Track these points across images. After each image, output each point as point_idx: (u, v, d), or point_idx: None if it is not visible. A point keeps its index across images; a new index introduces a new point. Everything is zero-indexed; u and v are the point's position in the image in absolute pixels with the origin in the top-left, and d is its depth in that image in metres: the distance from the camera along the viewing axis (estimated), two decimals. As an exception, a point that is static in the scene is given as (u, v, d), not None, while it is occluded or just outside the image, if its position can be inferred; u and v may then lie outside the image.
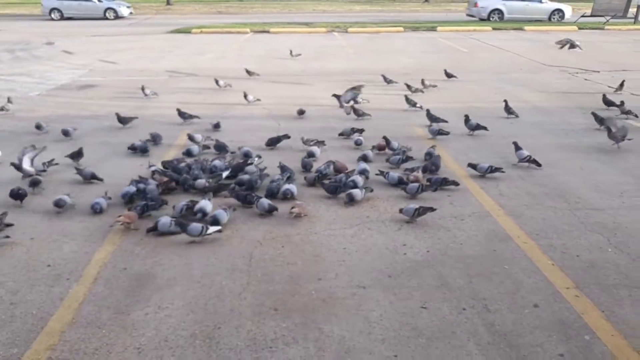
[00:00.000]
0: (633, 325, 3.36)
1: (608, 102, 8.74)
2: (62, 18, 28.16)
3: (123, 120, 7.73)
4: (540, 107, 9.10)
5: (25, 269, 4.03)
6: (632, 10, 23.96)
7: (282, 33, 21.41)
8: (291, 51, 14.69)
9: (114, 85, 10.86)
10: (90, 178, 5.68)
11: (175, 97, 9.87)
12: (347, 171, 5.66)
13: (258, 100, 9.08)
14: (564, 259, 4.15)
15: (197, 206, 4.77)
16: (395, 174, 5.57)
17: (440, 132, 7.20)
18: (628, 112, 8.19)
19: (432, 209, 4.75)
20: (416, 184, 5.26)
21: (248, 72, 11.32)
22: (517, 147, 6.31)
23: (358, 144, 6.84)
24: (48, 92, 10.58)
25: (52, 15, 28.25)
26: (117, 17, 28.49)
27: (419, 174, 5.57)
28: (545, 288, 3.77)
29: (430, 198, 5.25)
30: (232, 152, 6.42)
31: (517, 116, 8.30)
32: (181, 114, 7.89)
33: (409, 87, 9.81)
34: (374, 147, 6.55)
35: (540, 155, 6.54)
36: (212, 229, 4.42)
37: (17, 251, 4.28)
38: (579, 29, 22.23)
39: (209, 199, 4.92)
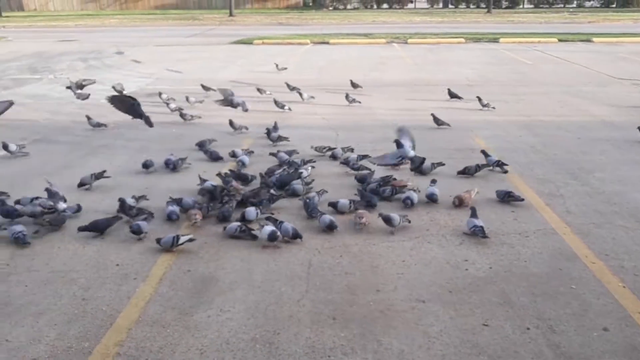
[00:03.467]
0: None
1: (453, 95, 10.15)
2: None
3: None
4: (609, 122, 8.73)
5: (96, 267, 4.23)
6: None
7: (341, 44, 21.55)
8: (277, 65, 14.16)
9: (180, 93, 11.23)
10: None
11: (237, 105, 10.11)
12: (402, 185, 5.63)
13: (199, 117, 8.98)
14: (636, 282, 3.95)
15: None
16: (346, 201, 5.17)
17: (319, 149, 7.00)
18: (487, 105, 9.51)
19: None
20: (346, 201, 5.21)
21: (204, 87, 11.12)
22: (486, 155, 6.41)
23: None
24: (118, 99, 11.06)
25: None
26: None
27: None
28: (615, 311, 3.60)
29: (494, 212, 5.14)
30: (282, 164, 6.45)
31: (449, 125, 8.23)
32: (232, 124, 8.05)
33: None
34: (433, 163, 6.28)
35: (610, 171, 6.29)
36: (183, 238, 4.43)
37: (89, 250, 4.50)
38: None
39: (259, 209, 5.03)
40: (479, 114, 9.29)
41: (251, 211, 4.99)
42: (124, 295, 3.83)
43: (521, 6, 47.57)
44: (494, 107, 9.54)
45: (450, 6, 48.93)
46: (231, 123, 8.03)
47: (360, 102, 9.97)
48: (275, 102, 9.49)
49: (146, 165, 6.35)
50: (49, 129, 8.53)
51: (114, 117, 9.43)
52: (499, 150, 7.12)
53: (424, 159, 6.10)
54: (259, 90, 10.68)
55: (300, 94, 10.30)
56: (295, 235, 4.58)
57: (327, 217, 4.83)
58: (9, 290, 3.90)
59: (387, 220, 4.77)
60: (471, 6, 47.68)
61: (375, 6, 48.89)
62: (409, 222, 4.87)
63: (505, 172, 6.23)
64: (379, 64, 15.80)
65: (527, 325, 3.46)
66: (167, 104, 9.52)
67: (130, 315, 3.59)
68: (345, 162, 6.38)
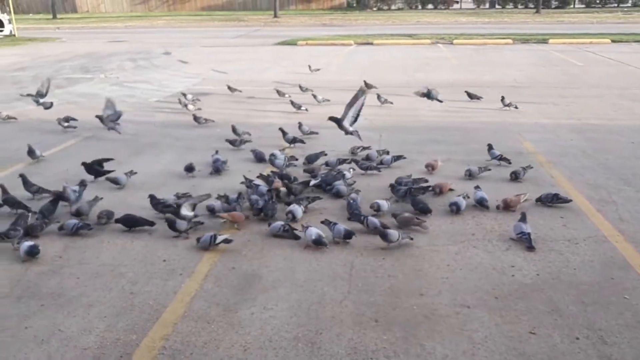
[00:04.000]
0: None
1: (472, 96, 10.27)
2: None
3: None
4: (666, 127, 8.37)
5: (144, 262, 4.34)
6: None
7: (385, 45, 21.43)
8: (310, 66, 14.14)
9: (225, 94, 11.42)
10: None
11: (280, 106, 10.19)
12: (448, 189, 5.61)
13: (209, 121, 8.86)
14: (695, 294, 3.77)
15: (288, 208, 5.05)
16: (376, 220, 4.77)
17: (295, 140, 7.38)
18: (509, 105, 9.47)
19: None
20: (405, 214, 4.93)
21: (230, 88, 11.25)
22: (490, 148, 6.67)
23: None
24: (165, 99, 11.33)
25: None
26: None
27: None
28: (672, 324, 3.45)
29: (542, 218, 5.00)
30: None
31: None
32: (234, 130, 7.82)
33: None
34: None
35: (666, 178, 6.03)
36: (220, 238, 4.49)
37: (137, 245, 4.62)
38: None
39: (302, 207, 5.09)
40: (528, 117, 9.06)
41: (298, 210, 5.03)
42: (170, 290, 3.91)
43: (572, 6, 46.15)
44: (516, 107, 9.43)
45: (497, 6, 47.92)
46: (234, 129, 7.80)
47: (392, 103, 9.92)
48: (292, 103, 9.61)
49: (189, 169, 6.35)
50: (100, 127, 8.78)
51: (160, 116, 9.69)
52: (548, 154, 6.94)
53: (337, 118, 6.38)
54: (278, 92, 10.74)
55: (315, 96, 10.28)
56: (348, 235, 4.56)
57: (375, 220, 4.79)
58: (62, 282, 4.05)
59: (383, 236, 4.46)
60: (519, 6, 46.58)
61: (419, 7, 48.44)
62: (411, 239, 4.55)
63: (510, 163, 6.38)
64: (423, 65, 15.64)
65: (577, 334, 3.35)
66: (185, 105, 9.82)
67: (176, 310, 3.66)
68: (356, 161, 6.44)
